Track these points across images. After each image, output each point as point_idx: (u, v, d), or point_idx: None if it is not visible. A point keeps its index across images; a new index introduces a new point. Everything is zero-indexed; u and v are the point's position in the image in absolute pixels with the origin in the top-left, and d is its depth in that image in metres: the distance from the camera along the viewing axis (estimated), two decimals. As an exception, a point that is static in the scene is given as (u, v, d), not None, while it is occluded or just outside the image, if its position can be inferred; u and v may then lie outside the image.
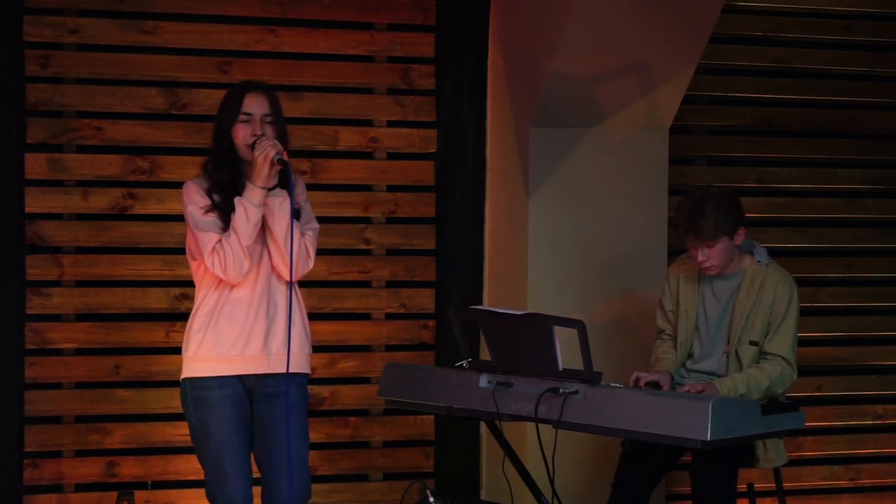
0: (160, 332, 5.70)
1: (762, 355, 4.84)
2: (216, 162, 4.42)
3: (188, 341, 4.42)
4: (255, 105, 4.37)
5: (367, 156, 5.93)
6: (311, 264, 4.43)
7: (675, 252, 5.41)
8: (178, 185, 5.63)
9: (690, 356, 5.00)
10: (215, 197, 4.36)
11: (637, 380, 4.84)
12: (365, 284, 5.94)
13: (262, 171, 4.28)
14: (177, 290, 5.71)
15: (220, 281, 4.36)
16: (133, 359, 5.69)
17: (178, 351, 5.66)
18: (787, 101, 6.36)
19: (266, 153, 4.27)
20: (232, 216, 4.29)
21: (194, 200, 4.36)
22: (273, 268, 4.40)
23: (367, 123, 5.93)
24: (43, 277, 5.59)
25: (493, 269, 6.03)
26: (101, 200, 5.65)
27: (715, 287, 4.95)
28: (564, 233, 5.75)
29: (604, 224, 5.78)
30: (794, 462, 5.63)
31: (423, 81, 5.98)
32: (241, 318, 4.36)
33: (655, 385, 4.84)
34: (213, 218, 4.33)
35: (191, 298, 5.66)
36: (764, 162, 6.34)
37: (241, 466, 4.38)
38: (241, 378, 4.39)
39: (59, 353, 5.62)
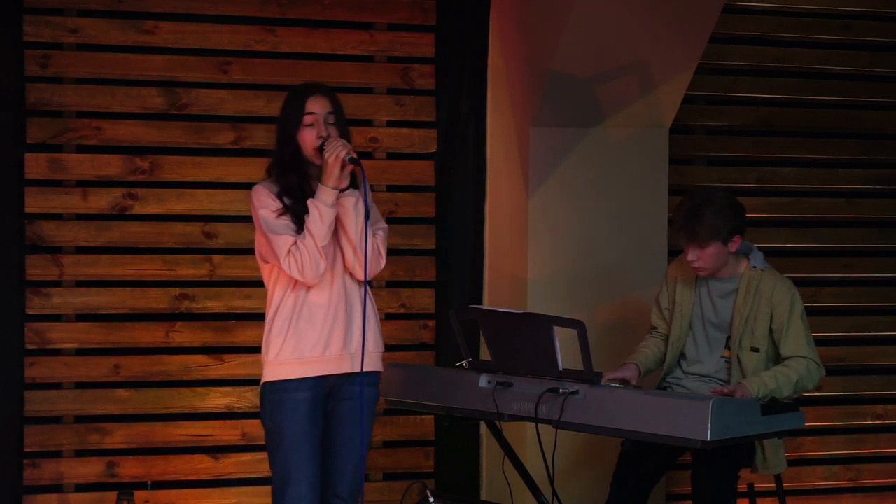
0: (160, 332, 5.70)
1: (783, 362, 4.81)
2: (282, 167, 4.39)
3: (268, 345, 4.39)
4: (317, 106, 4.37)
5: (368, 156, 5.92)
6: (383, 263, 4.44)
7: (675, 252, 5.40)
8: (178, 185, 5.70)
9: (684, 357, 4.99)
10: (286, 200, 4.35)
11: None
12: (365, 284, 5.93)
13: (334, 171, 4.28)
14: (176, 290, 5.71)
15: (296, 283, 4.35)
16: (133, 359, 5.69)
17: (177, 351, 5.72)
18: (787, 101, 6.36)
19: (337, 153, 4.27)
20: (306, 218, 4.29)
21: (266, 204, 4.34)
22: (346, 268, 4.41)
23: (367, 123, 5.93)
24: (43, 277, 5.59)
25: (493, 269, 6.03)
26: (100, 200, 5.65)
27: (712, 290, 4.94)
28: (564, 233, 5.75)
29: (604, 224, 5.78)
30: (794, 462, 5.63)
31: (423, 81, 5.98)
32: (320, 321, 4.36)
33: (624, 382, 4.82)
34: (286, 221, 4.32)
35: (191, 298, 5.71)
36: (764, 162, 6.34)
37: (308, 470, 4.36)
38: (321, 379, 4.39)
39: (58, 353, 5.61)
